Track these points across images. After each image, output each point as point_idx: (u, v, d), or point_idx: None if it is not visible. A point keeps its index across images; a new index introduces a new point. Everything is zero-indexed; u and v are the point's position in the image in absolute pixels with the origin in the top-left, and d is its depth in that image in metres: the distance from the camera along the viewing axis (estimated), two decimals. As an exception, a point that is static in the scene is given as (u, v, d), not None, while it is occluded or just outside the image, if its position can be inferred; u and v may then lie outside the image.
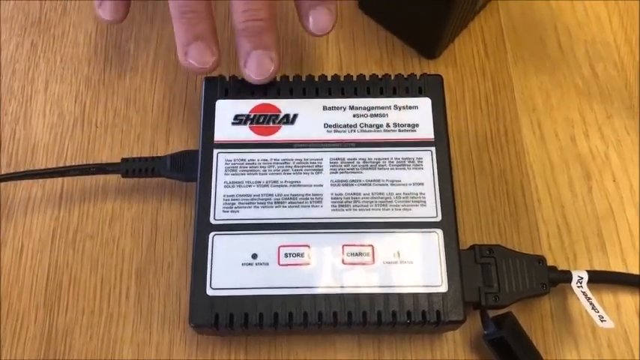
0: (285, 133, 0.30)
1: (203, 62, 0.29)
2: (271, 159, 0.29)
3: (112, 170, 0.31)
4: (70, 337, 0.30)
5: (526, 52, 0.37)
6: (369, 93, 0.30)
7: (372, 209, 0.28)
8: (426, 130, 0.30)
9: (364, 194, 0.28)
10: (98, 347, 0.30)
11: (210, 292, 0.27)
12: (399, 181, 0.29)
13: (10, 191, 0.33)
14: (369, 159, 0.29)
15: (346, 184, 0.29)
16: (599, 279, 0.30)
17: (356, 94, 0.30)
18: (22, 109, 0.35)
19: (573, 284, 0.29)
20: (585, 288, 0.29)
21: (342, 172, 0.29)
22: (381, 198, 0.28)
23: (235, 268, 0.27)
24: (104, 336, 0.30)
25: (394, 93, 0.30)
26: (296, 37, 0.37)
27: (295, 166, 0.29)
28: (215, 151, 0.29)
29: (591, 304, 0.28)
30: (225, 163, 0.29)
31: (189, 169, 0.30)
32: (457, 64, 0.36)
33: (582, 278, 0.29)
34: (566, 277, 0.29)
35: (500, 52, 0.37)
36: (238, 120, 0.30)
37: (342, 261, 0.27)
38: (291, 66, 0.36)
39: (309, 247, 0.27)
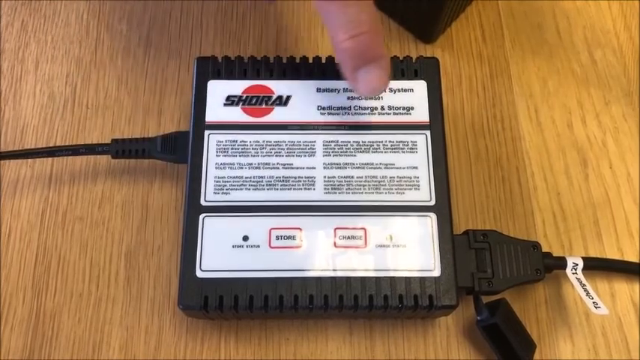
0: (277, 114, 0.29)
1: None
2: (263, 141, 0.29)
3: (101, 151, 0.30)
4: (58, 319, 0.30)
5: (524, 38, 0.36)
6: (363, 75, 0.30)
7: (365, 192, 0.28)
8: (421, 114, 0.29)
9: (357, 177, 0.28)
10: (86, 330, 0.30)
11: (199, 274, 0.26)
12: (393, 164, 0.28)
13: (-1, 172, 0.32)
14: (362, 142, 0.29)
15: (339, 167, 0.28)
16: (594, 266, 0.30)
17: (350, 76, 0.30)
18: (11, 89, 0.34)
19: (568, 271, 0.29)
20: (580, 275, 0.29)
21: (336, 155, 0.28)
22: (375, 181, 0.28)
23: (226, 250, 0.27)
24: (93, 319, 0.30)
25: (389, 75, 0.30)
26: (291, 19, 0.36)
27: (288, 149, 0.29)
28: (206, 132, 0.29)
29: (586, 290, 0.28)
30: (217, 145, 0.28)
31: (181, 150, 0.29)
32: (454, 49, 0.36)
33: (577, 265, 0.29)
34: (561, 263, 0.29)
35: (498, 37, 0.36)
36: (230, 101, 0.29)
37: (334, 244, 0.27)
38: (285, 49, 0.35)
39: (300, 229, 0.27)
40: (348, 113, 0.29)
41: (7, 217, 0.32)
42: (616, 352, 0.29)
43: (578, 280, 0.29)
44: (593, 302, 0.28)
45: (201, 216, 0.27)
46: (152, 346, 0.29)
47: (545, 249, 0.30)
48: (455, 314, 0.30)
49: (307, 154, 0.28)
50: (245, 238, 0.27)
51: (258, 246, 0.27)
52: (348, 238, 0.27)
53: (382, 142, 0.29)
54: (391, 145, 0.29)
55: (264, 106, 0.29)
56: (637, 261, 0.31)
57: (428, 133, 0.29)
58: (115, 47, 0.35)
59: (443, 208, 0.28)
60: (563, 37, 0.36)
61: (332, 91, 0.30)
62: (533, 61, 0.36)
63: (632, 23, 0.37)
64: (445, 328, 0.30)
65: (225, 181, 0.28)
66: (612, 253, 0.31)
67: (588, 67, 0.36)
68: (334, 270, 0.26)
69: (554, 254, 0.30)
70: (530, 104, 0.35)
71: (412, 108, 0.29)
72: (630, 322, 0.30)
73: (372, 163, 0.28)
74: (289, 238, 0.27)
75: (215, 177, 0.28)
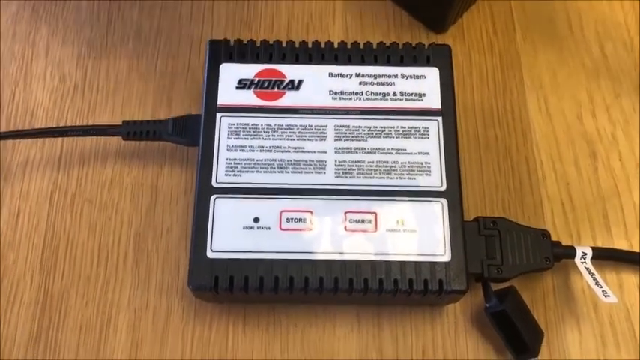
0: (289, 98, 0.29)
1: None
2: (275, 124, 0.29)
3: (112, 132, 0.30)
4: (65, 302, 0.30)
5: (535, 30, 0.36)
6: (376, 61, 0.30)
7: (376, 177, 0.28)
8: (433, 100, 0.29)
9: (368, 162, 0.28)
10: (94, 313, 0.30)
11: (210, 254, 0.26)
12: (405, 149, 0.28)
13: (9, 153, 0.32)
14: (374, 127, 0.29)
15: (350, 152, 0.28)
16: (603, 255, 0.30)
17: (363, 62, 0.30)
18: (22, 71, 0.34)
19: (577, 260, 0.29)
20: (589, 264, 0.29)
21: (347, 140, 0.28)
22: (386, 166, 0.28)
23: (236, 232, 0.27)
24: (100, 301, 0.30)
25: (401, 62, 0.30)
26: (302, 5, 0.36)
27: (299, 132, 0.29)
28: (218, 115, 0.29)
29: (594, 279, 0.28)
30: (229, 127, 0.28)
31: (192, 133, 0.29)
32: (465, 40, 0.36)
33: (586, 254, 0.29)
34: (570, 252, 0.29)
35: (509, 28, 0.36)
36: (242, 84, 0.29)
37: (345, 228, 0.27)
38: (296, 37, 0.36)
39: (311, 213, 0.27)
40: (360, 98, 0.29)
41: (16, 198, 0.32)
42: (623, 341, 0.29)
43: (587, 269, 0.29)
44: (602, 291, 0.28)
45: (213, 197, 0.27)
46: (160, 328, 0.29)
47: (553, 239, 0.30)
48: (463, 302, 0.30)
49: (318, 139, 0.28)
50: (256, 220, 0.27)
51: (269, 228, 0.27)
52: (359, 222, 0.27)
53: (394, 127, 0.29)
54: (403, 131, 0.29)
55: (276, 89, 0.29)
56: (645, 252, 0.31)
57: (440, 119, 0.29)
58: (127, 31, 0.35)
59: (454, 194, 0.28)
60: (574, 30, 0.36)
61: (344, 76, 0.30)
62: (544, 53, 0.36)
63: (643, 17, 0.37)
64: (453, 315, 0.30)
65: (237, 164, 0.28)
66: (620, 245, 0.31)
67: (599, 61, 0.36)
68: (344, 253, 0.26)
69: (563, 244, 0.30)
70: (540, 95, 0.35)
71: (424, 94, 0.29)
72: (638, 313, 0.30)
73: (384, 149, 0.28)
74: (300, 220, 0.27)
75: (226, 159, 0.28)
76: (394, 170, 0.28)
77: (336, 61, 0.30)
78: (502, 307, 0.27)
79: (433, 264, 0.26)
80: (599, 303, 0.30)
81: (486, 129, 0.34)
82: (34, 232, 0.31)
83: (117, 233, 0.31)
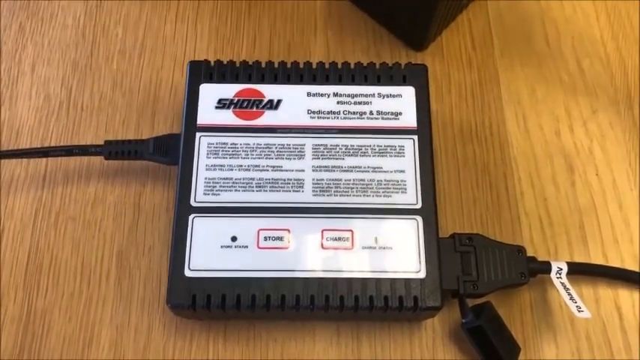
0: (268, 118, 0.30)
1: None
2: (254, 143, 0.29)
3: (94, 152, 0.31)
4: (48, 318, 0.30)
5: (513, 46, 0.37)
6: (353, 80, 0.30)
7: (353, 195, 0.28)
8: (409, 119, 0.30)
9: (345, 180, 0.29)
10: (77, 329, 0.30)
11: (188, 273, 0.27)
12: (381, 167, 0.29)
13: (-7, 172, 0.33)
14: (351, 146, 0.29)
15: (328, 170, 0.29)
16: (579, 270, 0.30)
17: (340, 82, 0.30)
18: (7, 90, 0.35)
19: (552, 275, 0.29)
20: (564, 279, 0.29)
21: (324, 158, 0.29)
22: (362, 184, 0.28)
23: (214, 250, 0.27)
24: (83, 318, 0.30)
25: (378, 81, 0.30)
26: (284, 25, 0.37)
27: (277, 151, 0.29)
28: (197, 135, 0.29)
29: (569, 294, 0.29)
30: (208, 147, 0.29)
31: (172, 152, 0.30)
32: (444, 57, 0.36)
33: (561, 269, 0.29)
34: (546, 267, 0.29)
35: (488, 45, 0.37)
36: (222, 104, 0.30)
37: (322, 245, 0.27)
38: (277, 54, 0.36)
39: (288, 231, 0.27)
40: (338, 117, 0.30)
41: (1, 216, 0.32)
42: (599, 355, 0.30)
43: (562, 284, 0.29)
44: (577, 306, 0.28)
45: (191, 216, 0.28)
46: (141, 345, 0.30)
47: (531, 254, 0.30)
48: (441, 317, 0.30)
49: (297, 157, 0.29)
50: (234, 239, 0.27)
51: (247, 246, 0.27)
52: (335, 239, 0.27)
53: (370, 146, 0.29)
54: (379, 149, 0.29)
55: (255, 109, 0.30)
56: (620, 266, 0.31)
57: (415, 137, 0.29)
58: (111, 50, 0.36)
59: (429, 211, 0.28)
60: (551, 46, 0.37)
61: (322, 95, 0.30)
62: (522, 70, 0.36)
63: (619, 33, 0.37)
64: (431, 330, 0.30)
65: (216, 182, 0.28)
66: (597, 259, 0.32)
67: (576, 76, 0.36)
68: (321, 271, 0.27)
69: (540, 259, 0.30)
70: (518, 111, 0.35)
71: (400, 113, 0.30)
72: (614, 327, 0.30)
73: (360, 167, 0.29)
74: (277, 239, 0.27)
75: (205, 178, 0.28)
76: (370, 188, 0.28)
77: (314, 80, 0.30)
78: (478, 322, 0.28)
79: (408, 281, 0.27)
80: (576, 317, 0.30)
81: (465, 145, 0.34)
82: (19, 249, 0.31)
83: (100, 251, 0.31)
